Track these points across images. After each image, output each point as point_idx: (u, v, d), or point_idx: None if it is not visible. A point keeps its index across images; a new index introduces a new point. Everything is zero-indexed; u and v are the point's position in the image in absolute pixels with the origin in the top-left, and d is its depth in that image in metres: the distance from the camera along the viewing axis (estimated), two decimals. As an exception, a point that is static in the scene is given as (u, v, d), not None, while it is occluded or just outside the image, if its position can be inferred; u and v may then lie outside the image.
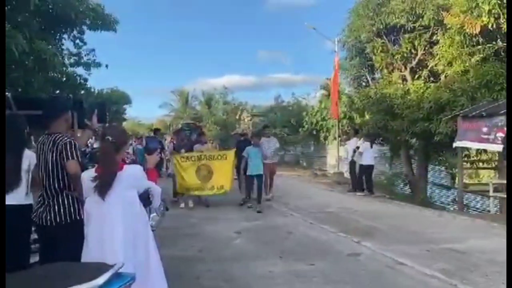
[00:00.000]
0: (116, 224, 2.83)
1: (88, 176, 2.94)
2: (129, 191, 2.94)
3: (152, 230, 3.93)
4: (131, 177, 2.97)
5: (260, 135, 10.69)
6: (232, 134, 11.70)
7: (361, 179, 12.27)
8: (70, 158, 3.14)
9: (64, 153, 3.15)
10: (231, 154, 9.92)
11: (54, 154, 3.19)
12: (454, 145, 10.32)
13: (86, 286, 1.89)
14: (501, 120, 9.06)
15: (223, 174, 9.65)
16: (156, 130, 13.78)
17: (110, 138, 2.93)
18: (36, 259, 3.63)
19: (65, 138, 3.22)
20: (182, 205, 9.73)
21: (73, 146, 3.18)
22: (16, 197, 3.51)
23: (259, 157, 9.44)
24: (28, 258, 3.68)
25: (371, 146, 12.14)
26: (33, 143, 4.00)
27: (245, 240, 6.58)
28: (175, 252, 5.67)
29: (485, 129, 9.45)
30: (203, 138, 11.18)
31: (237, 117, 33.51)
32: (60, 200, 3.22)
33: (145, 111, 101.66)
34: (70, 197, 3.23)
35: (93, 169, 2.98)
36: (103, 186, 2.83)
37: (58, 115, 3.38)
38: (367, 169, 11.97)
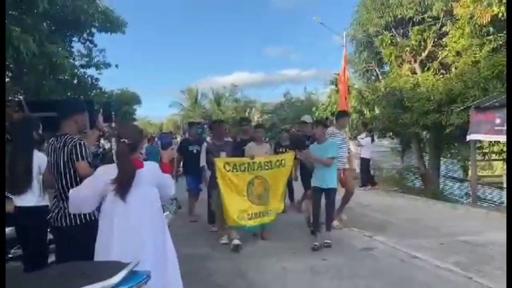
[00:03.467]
0: (142, 227, 2.84)
1: (105, 172, 2.90)
2: (150, 188, 2.95)
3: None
4: (151, 174, 2.98)
5: (324, 123, 7.02)
6: (243, 126, 8.68)
7: (368, 173, 12.83)
8: (80, 159, 3.17)
9: (74, 154, 3.18)
10: (289, 158, 6.59)
11: (65, 155, 3.22)
12: (468, 138, 10.18)
13: (102, 284, 1.92)
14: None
15: (278, 189, 6.51)
16: (192, 124, 9.83)
17: (126, 141, 2.92)
18: (52, 259, 3.69)
19: (75, 139, 3.25)
20: (224, 239, 6.22)
21: (83, 147, 3.20)
22: (31, 199, 3.56)
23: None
24: (46, 259, 3.74)
25: (372, 141, 13.07)
26: (45, 145, 4.04)
27: (258, 237, 6.58)
28: (188, 250, 5.70)
29: (498, 121, 9.30)
30: (259, 134, 7.13)
31: (246, 114, 33.50)
32: None
33: (155, 110, 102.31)
34: None
35: (110, 166, 2.93)
36: (123, 188, 2.82)
37: (67, 116, 3.41)
38: (366, 162, 12.52)
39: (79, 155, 3.17)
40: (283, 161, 6.48)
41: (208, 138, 6.78)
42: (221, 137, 6.72)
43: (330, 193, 5.96)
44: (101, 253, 2.81)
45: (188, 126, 9.28)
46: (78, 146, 3.20)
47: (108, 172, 2.86)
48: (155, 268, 2.63)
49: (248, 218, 6.14)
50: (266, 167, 6.30)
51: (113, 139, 3.30)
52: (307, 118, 8.45)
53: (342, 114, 7.50)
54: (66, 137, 3.28)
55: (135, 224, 2.82)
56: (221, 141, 6.62)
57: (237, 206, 6.04)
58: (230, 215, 5.98)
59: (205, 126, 19.99)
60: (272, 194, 6.36)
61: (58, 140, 3.30)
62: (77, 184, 3.18)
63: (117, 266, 2.06)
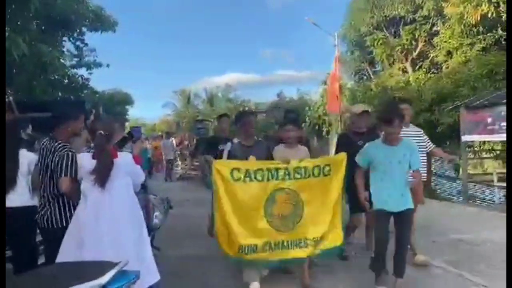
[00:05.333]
0: (123, 214, 3.01)
1: (85, 159, 3.06)
2: (125, 177, 3.11)
3: (157, 228, 3.98)
4: (125, 163, 3.15)
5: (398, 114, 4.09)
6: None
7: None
8: (63, 174, 3.11)
9: (59, 166, 3.14)
10: (339, 162, 4.35)
11: (53, 162, 3.20)
12: (463, 138, 10.26)
13: (92, 284, 1.92)
14: (505, 110, 9.01)
15: (323, 211, 4.29)
16: (222, 116, 6.48)
17: (102, 132, 3.07)
18: (43, 261, 3.66)
19: (65, 149, 3.20)
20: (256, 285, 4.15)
21: (69, 160, 3.15)
22: (19, 199, 3.53)
23: (401, 168, 3.97)
24: (35, 259, 3.71)
25: None
26: (36, 144, 4.01)
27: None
28: (180, 250, 5.68)
29: (489, 120, 9.40)
30: (292, 133, 4.54)
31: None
32: (61, 203, 3.24)
33: (147, 111, 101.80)
34: (69, 201, 3.24)
35: (90, 154, 3.09)
36: (102, 178, 2.97)
37: (61, 123, 3.38)
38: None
39: (63, 170, 3.12)
40: (326, 168, 4.26)
41: (235, 139, 4.73)
42: (250, 136, 4.67)
43: (404, 217, 3.96)
44: (79, 239, 2.90)
45: (217, 119, 6.49)
46: (65, 158, 3.15)
47: (84, 160, 3.04)
48: (135, 255, 2.83)
49: (264, 249, 4.06)
50: (298, 175, 4.18)
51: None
52: (362, 106, 5.59)
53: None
54: (57, 143, 3.25)
55: (116, 211, 2.98)
56: (250, 141, 4.60)
57: (248, 228, 4.05)
58: (236, 240, 3.99)
59: (209, 124, 19.11)
60: (310, 217, 4.20)
61: (51, 142, 3.28)
62: None
63: (106, 266, 2.05)
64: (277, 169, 4.15)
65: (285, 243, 4.14)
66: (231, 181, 4.01)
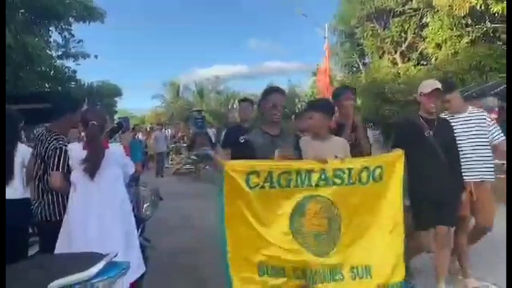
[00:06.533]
0: (114, 204, 2.99)
1: (75, 149, 3.03)
2: (116, 169, 3.09)
3: (146, 220, 3.97)
4: (116, 154, 3.13)
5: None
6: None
7: None
8: (55, 169, 3.07)
9: (52, 160, 3.09)
10: (395, 161, 3.24)
11: (46, 154, 3.16)
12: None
13: (81, 275, 1.91)
14: (492, 101, 9.11)
15: (376, 226, 3.13)
16: (244, 101, 5.58)
17: (95, 123, 3.03)
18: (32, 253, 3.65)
19: (60, 143, 3.16)
20: None
21: (62, 155, 3.10)
22: (12, 192, 3.50)
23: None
24: (26, 252, 3.68)
25: None
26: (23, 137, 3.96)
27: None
28: (172, 243, 5.68)
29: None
30: (322, 121, 3.35)
31: (229, 107, 33.34)
32: (55, 196, 3.19)
33: (136, 103, 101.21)
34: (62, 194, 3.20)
35: (80, 144, 3.07)
36: (92, 167, 2.95)
37: (61, 113, 3.34)
38: None
39: (55, 165, 3.08)
40: (377, 170, 3.14)
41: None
42: (277, 122, 3.30)
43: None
44: (72, 231, 2.89)
45: (239, 103, 5.57)
46: (58, 151, 3.10)
47: (74, 151, 3.02)
48: (123, 247, 2.83)
49: (290, 276, 2.95)
50: (338, 180, 3.07)
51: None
52: (432, 83, 3.70)
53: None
54: (52, 135, 3.21)
55: (104, 202, 2.96)
56: (275, 129, 3.28)
57: (268, 249, 2.93)
58: (247, 265, 2.95)
59: (203, 115, 16.07)
60: (353, 239, 3.07)
61: (47, 133, 3.24)
62: None
63: (95, 258, 2.04)
64: (309, 171, 2.98)
65: (315, 271, 2.92)
66: (245, 189, 2.87)
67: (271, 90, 3.42)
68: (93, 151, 2.96)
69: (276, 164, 2.96)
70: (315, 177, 3.00)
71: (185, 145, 16.94)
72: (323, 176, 3.02)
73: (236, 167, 2.92)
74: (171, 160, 17.08)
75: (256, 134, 3.26)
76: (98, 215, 2.91)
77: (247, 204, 2.90)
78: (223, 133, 5.78)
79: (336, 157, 3.11)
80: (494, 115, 8.94)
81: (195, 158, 13.34)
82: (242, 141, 3.52)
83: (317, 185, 3.01)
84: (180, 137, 18.72)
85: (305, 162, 3.07)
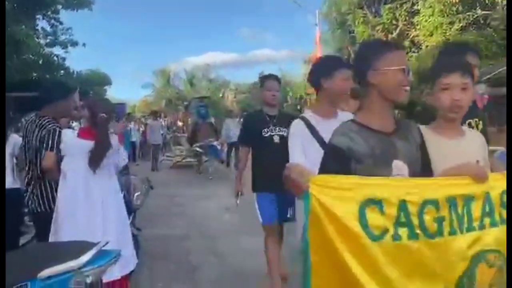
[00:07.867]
0: (110, 194, 3.00)
1: (68, 135, 3.02)
2: (109, 159, 3.08)
3: (137, 209, 3.97)
4: (113, 145, 3.11)
5: None
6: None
7: None
8: (49, 149, 3.02)
9: (45, 141, 3.05)
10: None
11: (38, 138, 3.10)
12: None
13: (71, 264, 1.90)
14: (481, 87, 9.16)
15: None
16: (268, 77, 3.73)
17: (104, 115, 3.01)
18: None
19: (52, 125, 3.12)
20: None
21: (56, 135, 3.06)
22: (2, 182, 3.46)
23: None
24: (17, 242, 3.66)
25: None
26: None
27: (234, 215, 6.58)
28: (163, 230, 5.69)
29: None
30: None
31: (220, 95, 33.22)
32: (48, 185, 3.14)
33: (126, 92, 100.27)
34: (53, 183, 3.15)
35: (76, 132, 3.07)
36: (98, 159, 2.93)
37: (51, 101, 3.28)
38: None
39: (49, 144, 3.03)
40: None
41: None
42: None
43: None
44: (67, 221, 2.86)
45: (261, 80, 3.84)
46: (52, 132, 3.06)
47: (67, 136, 3.01)
48: (116, 238, 2.82)
49: None
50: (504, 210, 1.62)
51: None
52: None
53: None
54: (44, 119, 3.16)
55: (97, 192, 2.95)
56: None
57: None
58: None
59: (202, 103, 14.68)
60: None
61: (37, 119, 3.19)
62: None
63: (86, 246, 2.03)
64: (468, 198, 1.58)
65: None
66: (361, 238, 1.47)
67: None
68: (101, 144, 2.95)
69: (416, 183, 1.56)
70: (476, 208, 1.59)
71: (185, 135, 15.28)
72: (487, 207, 1.61)
73: (330, 181, 1.50)
74: (168, 152, 15.36)
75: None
76: (90, 206, 2.88)
77: (362, 260, 1.44)
78: (225, 122, 5.38)
79: (477, 162, 1.81)
80: (484, 101, 9.02)
81: (198, 150, 11.88)
82: (266, 135, 3.39)
83: (481, 225, 1.58)
84: (180, 127, 17.70)
85: (457, 179, 1.60)
